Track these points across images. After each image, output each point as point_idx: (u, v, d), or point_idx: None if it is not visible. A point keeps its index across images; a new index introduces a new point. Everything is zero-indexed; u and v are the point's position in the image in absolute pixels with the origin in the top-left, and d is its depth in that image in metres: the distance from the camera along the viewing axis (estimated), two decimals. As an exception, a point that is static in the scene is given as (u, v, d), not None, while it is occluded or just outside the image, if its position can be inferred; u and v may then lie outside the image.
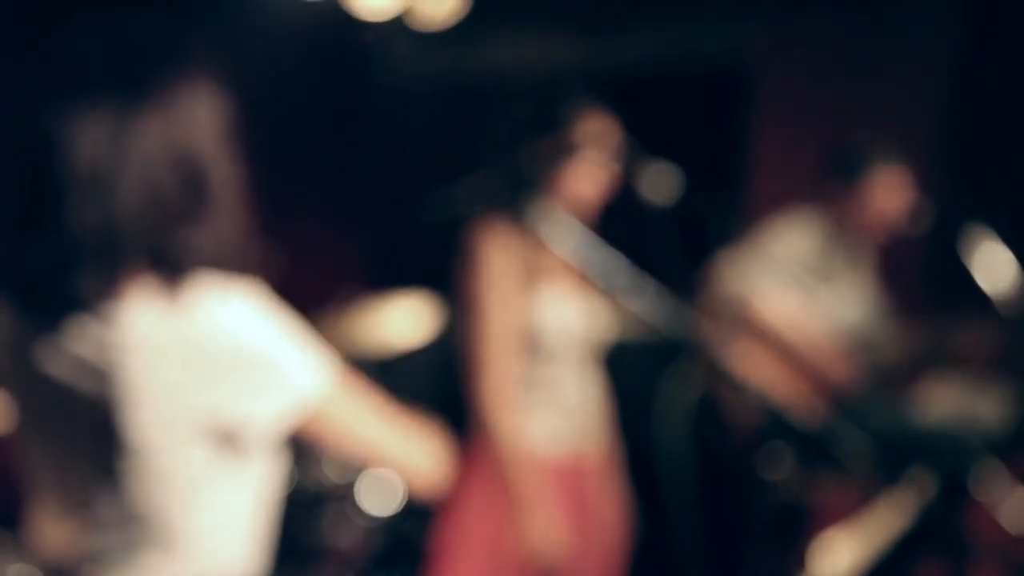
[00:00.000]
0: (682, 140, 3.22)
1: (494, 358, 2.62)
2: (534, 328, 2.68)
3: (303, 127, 4.64)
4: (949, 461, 3.10)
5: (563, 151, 2.64)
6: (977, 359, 3.60)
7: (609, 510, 2.87)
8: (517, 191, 2.31)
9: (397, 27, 4.36)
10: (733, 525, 3.25)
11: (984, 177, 4.30)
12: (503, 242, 2.63)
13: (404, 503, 3.54)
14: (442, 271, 2.79)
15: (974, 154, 4.36)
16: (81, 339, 1.55)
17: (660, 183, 2.68)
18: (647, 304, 1.87)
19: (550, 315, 2.69)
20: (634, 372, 3.18)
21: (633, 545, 2.92)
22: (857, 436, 2.03)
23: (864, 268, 3.73)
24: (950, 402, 3.66)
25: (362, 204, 4.98)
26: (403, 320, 4.03)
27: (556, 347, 2.71)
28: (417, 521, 3.75)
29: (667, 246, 2.82)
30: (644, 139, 2.79)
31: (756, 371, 2.82)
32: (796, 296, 3.50)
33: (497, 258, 2.63)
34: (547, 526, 2.62)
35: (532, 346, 2.69)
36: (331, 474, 3.32)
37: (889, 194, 3.55)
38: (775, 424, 1.92)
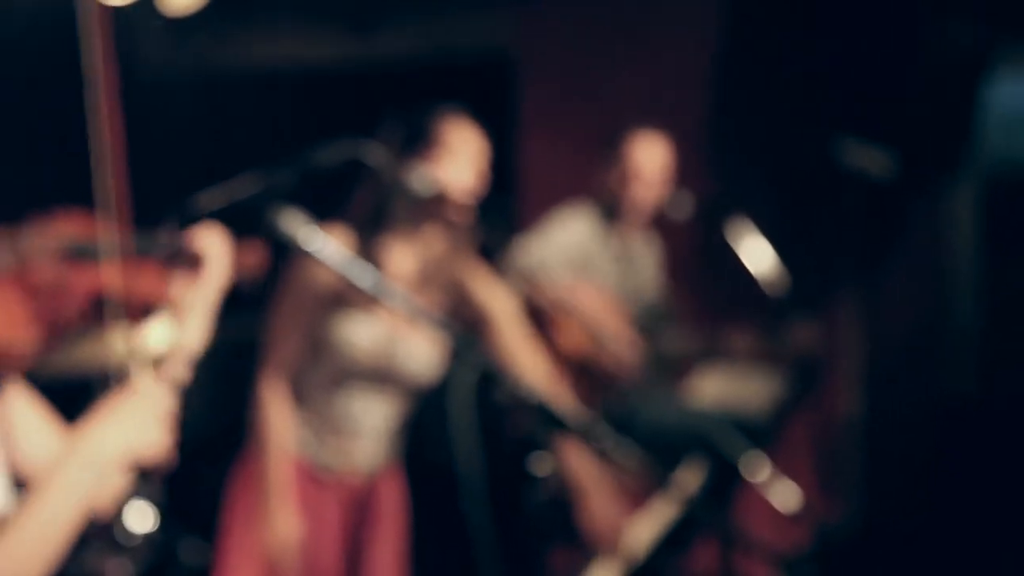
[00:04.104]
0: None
1: (279, 355, 2.69)
2: (336, 346, 2.70)
3: (36, 124, 4.37)
4: (717, 451, 3.19)
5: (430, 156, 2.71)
6: (745, 352, 3.71)
7: (383, 527, 2.88)
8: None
9: (144, 13, 4.18)
10: (512, 522, 3.26)
11: (746, 166, 4.43)
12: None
13: (161, 518, 3.43)
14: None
15: (737, 142, 4.48)
16: None
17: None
18: (421, 315, 1.90)
19: (356, 337, 2.70)
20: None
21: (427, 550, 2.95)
22: (623, 433, 2.06)
23: (650, 261, 3.81)
24: (717, 392, 3.76)
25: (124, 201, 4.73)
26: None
27: (355, 369, 2.72)
28: (179, 534, 3.65)
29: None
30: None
31: (532, 361, 2.83)
32: (576, 283, 3.54)
33: (316, 268, 2.65)
34: (286, 527, 2.67)
35: (330, 364, 2.72)
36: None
37: (647, 155, 3.61)
38: (542, 421, 1.93)
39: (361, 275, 1.97)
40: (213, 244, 1.76)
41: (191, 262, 1.74)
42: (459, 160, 2.72)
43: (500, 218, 3.44)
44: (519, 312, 2.93)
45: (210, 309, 1.74)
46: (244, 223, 2.31)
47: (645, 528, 2.72)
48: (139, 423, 1.50)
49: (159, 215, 1.79)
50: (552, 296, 3.48)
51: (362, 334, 2.70)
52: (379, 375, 2.74)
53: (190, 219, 1.84)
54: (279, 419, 2.71)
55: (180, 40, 4.75)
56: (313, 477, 2.77)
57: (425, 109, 2.75)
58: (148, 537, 3.53)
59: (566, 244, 3.58)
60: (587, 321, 3.49)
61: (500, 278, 3.33)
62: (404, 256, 2.75)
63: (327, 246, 1.95)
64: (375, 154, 2.51)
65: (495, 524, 2.86)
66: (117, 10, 4.18)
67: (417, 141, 2.71)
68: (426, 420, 2.94)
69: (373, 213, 2.71)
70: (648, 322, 3.71)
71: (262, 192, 2.05)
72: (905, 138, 4.01)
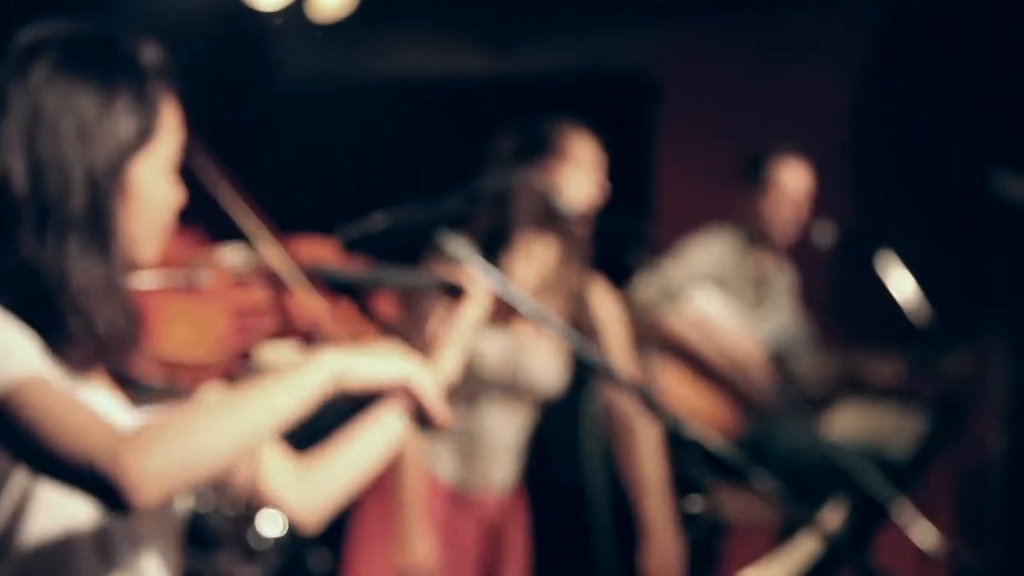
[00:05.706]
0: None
1: None
2: (468, 360, 2.68)
3: (198, 131, 4.47)
4: (859, 489, 3.12)
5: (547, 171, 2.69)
6: (887, 385, 3.66)
7: (513, 547, 2.87)
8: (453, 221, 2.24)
9: (294, 19, 4.25)
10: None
11: (890, 192, 4.36)
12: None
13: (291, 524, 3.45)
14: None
15: (883, 170, 4.41)
16: None
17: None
18: (562, 335, 1.91)
19: (486, 350, 2.68)
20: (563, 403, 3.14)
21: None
22: (759, 464, 2.01)
23: (785, 287, 3.76)
24: (857, 425, 3.69)
25: (268, 210, 4.82)
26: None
27: (483, 384, 2.71)
28: (309, 541, 3.68)
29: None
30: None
31: (672, 390, 2.81)
32: (714, 310, 3.51)
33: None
34: (422, 549, 2.65)
35: (462, 379, 2.69)
36: (227, 499, 3.20)
37: (792, 182, 3.61)
38: (688, 453, 1.88)
39: (515, 294, 1.96)
40: (476, 280, 1.77)
41: (452, 295, 1.76)
42: (579, 171, 2.71)
43: (636, 238, 3.41)
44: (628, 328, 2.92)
45: (466, 342, 1.77)
46: (409, 245, 2.33)
47: (783, 565, 2.67)
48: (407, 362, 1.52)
49: (309, 225, 1.78)
50: (678, 335, 3.44)
51: (492, 347, 2.68)
52: (508, 387, 2.73)
53: (357, 239, 1.84)
54: (414, 442, 2.68)
55: (323, 50, 4.82)
56: (451, 497, 2.76)
57: (543, 120, 2.76)
58: (278, 542, 3.57)
59: (702, 267, 3.56)
60: (717, 352, 3.45)
61: (624, 295, 3.32)
62: (524, 269, 2.73)
63: (486, 269, 1.95)
64: (529, 180, 2.51)
65: (623, 550, 2.83)
66: (264, 18, 4.22)
67: (537, 152, 2.70)
68: (555, 441, 2.92)
69: (495, 227, 2.71)
70: (785, 349, 3.66)
71: (431, 218, 2.06)
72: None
